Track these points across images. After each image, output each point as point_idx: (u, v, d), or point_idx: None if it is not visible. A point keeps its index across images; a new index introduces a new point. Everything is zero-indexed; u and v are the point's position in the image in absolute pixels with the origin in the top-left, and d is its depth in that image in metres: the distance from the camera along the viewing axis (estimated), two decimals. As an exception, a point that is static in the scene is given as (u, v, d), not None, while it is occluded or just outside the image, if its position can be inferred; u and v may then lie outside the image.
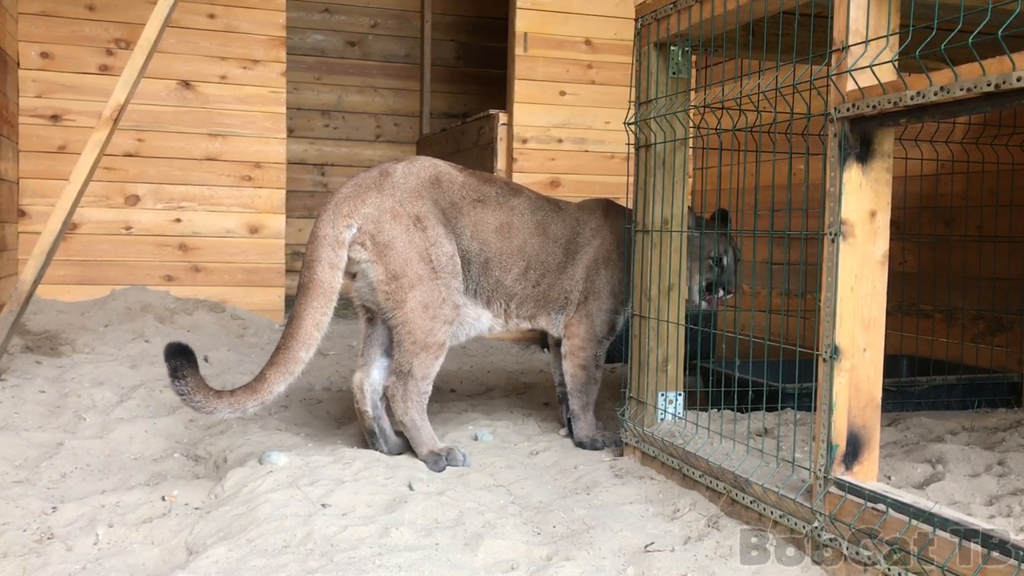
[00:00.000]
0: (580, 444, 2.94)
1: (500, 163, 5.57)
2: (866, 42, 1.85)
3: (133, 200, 5.23)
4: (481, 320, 2.87)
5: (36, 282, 3.47)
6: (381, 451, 2.70)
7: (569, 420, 3.05)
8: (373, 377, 2.79)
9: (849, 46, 1.86)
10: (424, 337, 2.63)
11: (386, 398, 2.73)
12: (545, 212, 2.95)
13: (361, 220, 2.61)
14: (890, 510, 1.78)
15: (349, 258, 2.63)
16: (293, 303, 2.61)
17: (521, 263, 2.86)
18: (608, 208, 3.10)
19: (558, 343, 3.09)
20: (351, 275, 2.69)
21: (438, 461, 2.59)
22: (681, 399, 2.76)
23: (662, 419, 2.72)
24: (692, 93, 2.79)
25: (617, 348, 3.45)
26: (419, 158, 2.82)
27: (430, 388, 2.70)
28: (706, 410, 2.91)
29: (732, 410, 3.12)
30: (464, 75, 8.03)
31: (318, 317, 2.55)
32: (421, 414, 2.67)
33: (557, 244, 2.94)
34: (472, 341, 5.18)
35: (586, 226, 3.02)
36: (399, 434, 2.77)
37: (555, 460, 2.77)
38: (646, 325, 2.72)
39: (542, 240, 2.91)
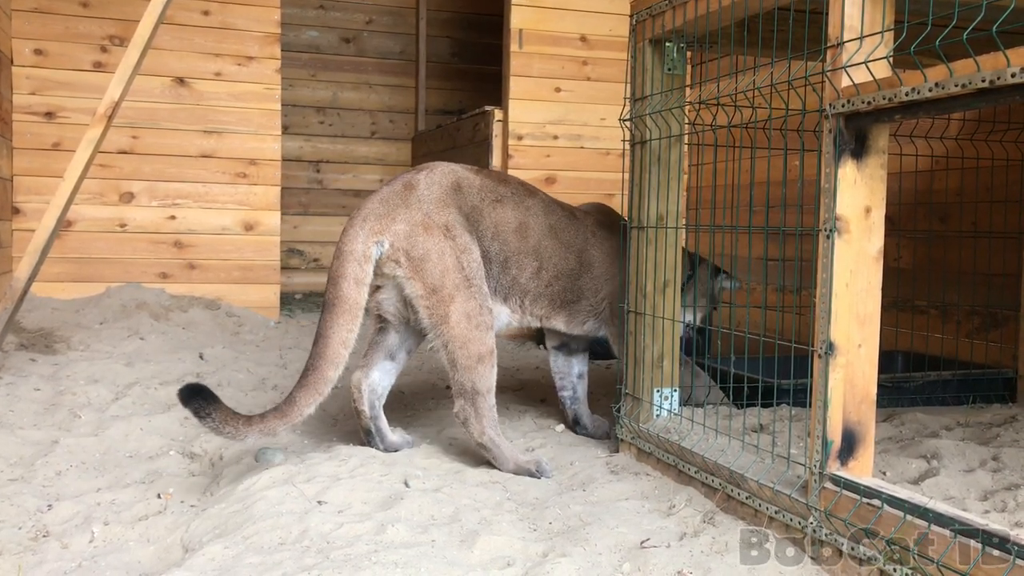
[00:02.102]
0: (602, 436, 3.08)
1: (495, 160, 5.56)
2: (861, 38, 1.85)
3: (128, 197, 5.22)
4: (500, 317, 2.86)
5: (31, 280, 3.47)
6: (377, 449, 2.70)
7: (575, 420, 3.12)
8: (372, 378, 2.78)
9: (844, 42, 1.86)
10: (477, 348, 2.60)
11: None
12: (558, 216, 2.97)
13: (392, 237, 2.58)
14: (885, 505, 1.78)
15: (383, 274, 2.61)
16: (318, 319, 2.55)
17: (535, 262, 2.87)
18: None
19: (558, 347, 3.12)
20: (375, 288, 2.66)
21: (532, 474, 2.55)
22: (676, 395, 2.76)
23: (657, 415, 2.73)
24: (687, 89, 2.79)
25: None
26: (437, 165, 2.78)
27: (495, 402, 2.65)
28: (701, 406, 2.92)
29: (727, 406, 3.12)
30: (459, 72, 8.01)
31: (344, 335, 2.51)
32: (497, 431, 2.62)
33: (570, 250, 2.96)
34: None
35: (599, 231, 3.06)
36: (395, 431, 2.78)
37: (551, 457, 2.77)
38: (641, 321, 2.72)
39: (554, 241, 2.92)
